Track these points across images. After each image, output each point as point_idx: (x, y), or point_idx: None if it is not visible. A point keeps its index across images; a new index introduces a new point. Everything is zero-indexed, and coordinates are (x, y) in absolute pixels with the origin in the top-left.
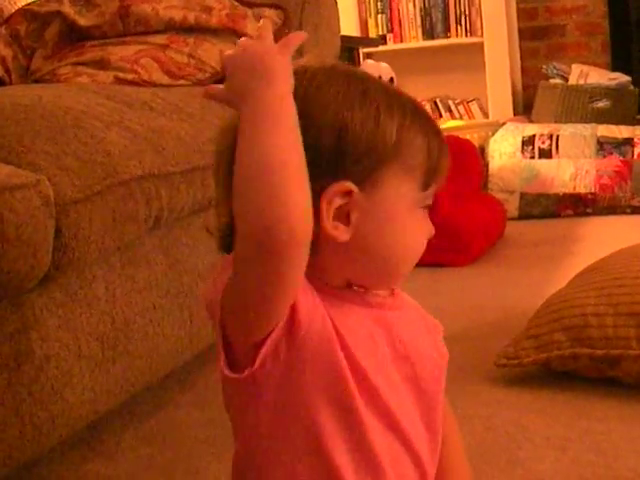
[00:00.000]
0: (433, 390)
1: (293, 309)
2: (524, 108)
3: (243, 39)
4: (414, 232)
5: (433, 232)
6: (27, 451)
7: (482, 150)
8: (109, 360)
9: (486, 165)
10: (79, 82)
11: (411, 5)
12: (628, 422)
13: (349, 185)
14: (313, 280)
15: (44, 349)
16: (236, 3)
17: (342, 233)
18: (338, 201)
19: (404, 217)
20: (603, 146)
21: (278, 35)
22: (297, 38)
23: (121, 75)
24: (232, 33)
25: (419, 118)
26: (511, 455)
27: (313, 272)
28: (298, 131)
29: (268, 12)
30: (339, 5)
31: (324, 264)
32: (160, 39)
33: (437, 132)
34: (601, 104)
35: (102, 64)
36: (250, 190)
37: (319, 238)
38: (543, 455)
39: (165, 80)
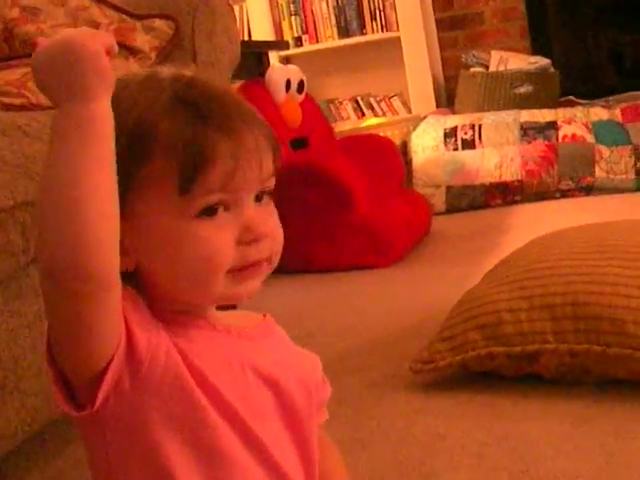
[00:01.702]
0: (306, 419)
1: (130, 347)
2: (447, 99)
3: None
4: (201, 240)
5: (253, 231)
6: None
7: (405, 146)
8: None
9: (410, 161)
10: None
11: (324, 5)
12: (548, 420)
13: None
14: (155, 309)
15: None
16: (124, 16)
17: (124, 264)
18: None
19: (177, 228)
20: (527, 132)
21: (169, 46)
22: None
23: (7, 100)
24: (122, 47)
25: (170, 114)
26: (425, 467)
27: (149, 301)
28: (113, 154)
29: (158, 23)
30: (251, 10)
31: (149, 292)
32: None
33: (206, 122)
34: (523, 89)
35: None
36: (48, 212)
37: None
38: (459, 464)
39: None
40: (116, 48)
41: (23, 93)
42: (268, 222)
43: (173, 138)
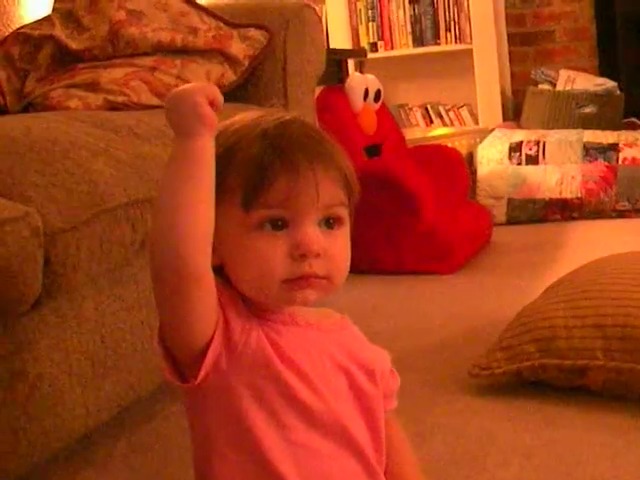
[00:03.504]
0: (374, 403)
1: (227, 331)
2: (514, 113)
3: (189, 86)
4: (256, 251)
5: (302, 248)
6: (22, 465)
7: (471, 157)
8: (99, 377)
9: (474, 172)
10: (70, 107)
11: (401, 12)
12: (592, 429)
13: None
14: (249, 304)
15: (37, 369)
16: (221, 24)
17: (214, 260)
18: None
19: (240, 238)
20: (589, 152)
21: (262, 55)
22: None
23: (111, 98)
24: (218, 53)
25: (251, 145)
26: (479, 463)
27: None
28: (210, 179)
29: (253, 32)
30: (330, 14)
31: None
32: (148, 61)
33: (273, 154)
34: (588, 110)
35: (93, 87)
36: (155, 223)
37: None
38: (509, 462)
39: (154, 101)
40: (221, 100)
41: (125, 91)
42: (329, 245)
43: (244, 163)
